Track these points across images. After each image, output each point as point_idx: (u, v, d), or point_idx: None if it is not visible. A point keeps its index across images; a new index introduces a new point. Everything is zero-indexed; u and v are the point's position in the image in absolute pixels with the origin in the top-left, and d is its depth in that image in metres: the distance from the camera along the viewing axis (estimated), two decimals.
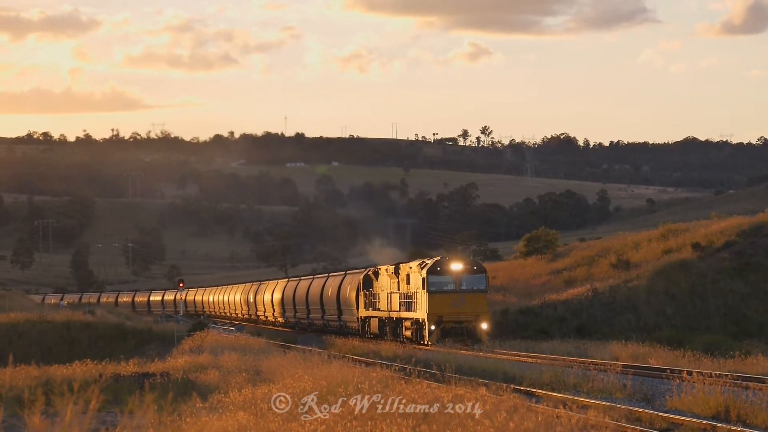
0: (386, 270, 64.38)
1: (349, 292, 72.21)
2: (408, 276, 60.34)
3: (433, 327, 56.73)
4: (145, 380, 39.84)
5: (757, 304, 74.64)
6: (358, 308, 69.60)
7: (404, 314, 60.45)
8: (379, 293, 65.20)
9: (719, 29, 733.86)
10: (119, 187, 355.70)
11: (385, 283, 64.24)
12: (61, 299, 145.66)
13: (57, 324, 79.93)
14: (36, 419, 18.66)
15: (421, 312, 57.94)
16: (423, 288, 57.60)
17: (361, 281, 68.67)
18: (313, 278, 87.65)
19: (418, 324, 58.58)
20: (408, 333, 59.71)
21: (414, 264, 60.38)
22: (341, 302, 74.69)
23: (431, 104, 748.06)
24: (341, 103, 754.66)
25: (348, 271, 78.01)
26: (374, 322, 66.00)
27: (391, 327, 62.97)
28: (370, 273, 67.86)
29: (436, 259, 59.33)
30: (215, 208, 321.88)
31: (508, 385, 30.30)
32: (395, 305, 61.82)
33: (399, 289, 61.40)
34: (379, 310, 65.06)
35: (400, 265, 62.64)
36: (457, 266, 57.89)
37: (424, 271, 57.76)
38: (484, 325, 57.20)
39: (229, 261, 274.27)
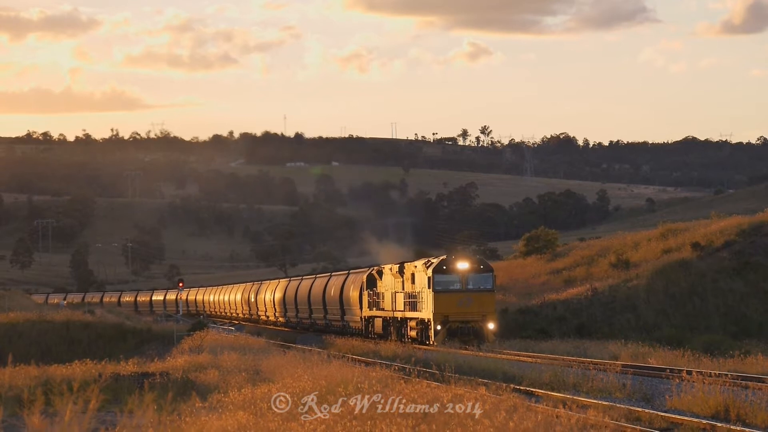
0: (390, 269, 63.67)
1: (352, 291, 71.88)
2: (413, 275, 59.67)
3: (439, 327, 56.14)
4: (145, 380, 39.84)
5: (756, 304, 74.53)
6: (361, 308, 68.95)
7: (409, 314, 59.77)
8: (383, 293, 64.52)
9: (719, 29, 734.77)
10: (119, 186, 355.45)
11: (389, 282, 63.59)
12: (64, 299, 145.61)
13: (56, 324, 79.93)
14: (35, 419, 18.65)
15: (426, 312, 57.29)
16: (428, 287, 56.91)
17: (365, 281, 68.11)
18: (315, 278, 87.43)
19: (423, 324, 57.94)
20: (413, 333, 58.98)
21: (419, 263, 59.68)
22: (344, 302, 74.41)
23: (431, 104, 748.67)
24: (341, 103, 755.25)
25: (351, 271, 77.67)
26: (378, 322, 65.37)
27: (395, 327, 62.26)
28: (373, 272, 67.15)
29: (441, 257, 58.47)
30: (215, 207, 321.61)
31: (507, 385, 30.30)
32: (400, 305, 61.08)
33: (404, 289, 60.69)
34: (383, 309, 64.44)
35: (405, 264, 61.86)
36: (463, 265, 57.24)
37: (430, 270, 57.12)
38: (491, 325, 56.58)
39: (228, 261, 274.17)
